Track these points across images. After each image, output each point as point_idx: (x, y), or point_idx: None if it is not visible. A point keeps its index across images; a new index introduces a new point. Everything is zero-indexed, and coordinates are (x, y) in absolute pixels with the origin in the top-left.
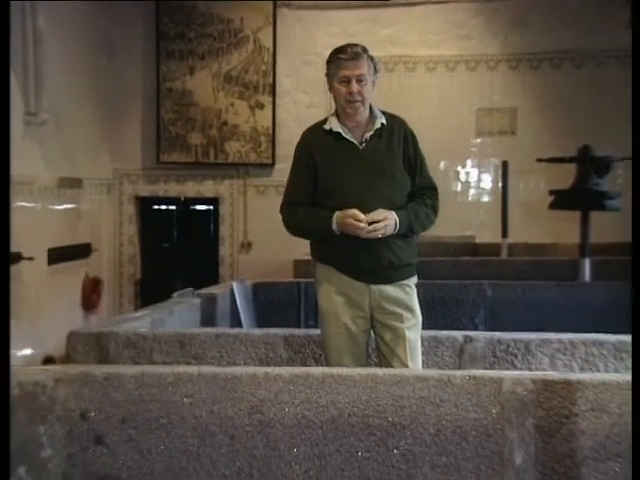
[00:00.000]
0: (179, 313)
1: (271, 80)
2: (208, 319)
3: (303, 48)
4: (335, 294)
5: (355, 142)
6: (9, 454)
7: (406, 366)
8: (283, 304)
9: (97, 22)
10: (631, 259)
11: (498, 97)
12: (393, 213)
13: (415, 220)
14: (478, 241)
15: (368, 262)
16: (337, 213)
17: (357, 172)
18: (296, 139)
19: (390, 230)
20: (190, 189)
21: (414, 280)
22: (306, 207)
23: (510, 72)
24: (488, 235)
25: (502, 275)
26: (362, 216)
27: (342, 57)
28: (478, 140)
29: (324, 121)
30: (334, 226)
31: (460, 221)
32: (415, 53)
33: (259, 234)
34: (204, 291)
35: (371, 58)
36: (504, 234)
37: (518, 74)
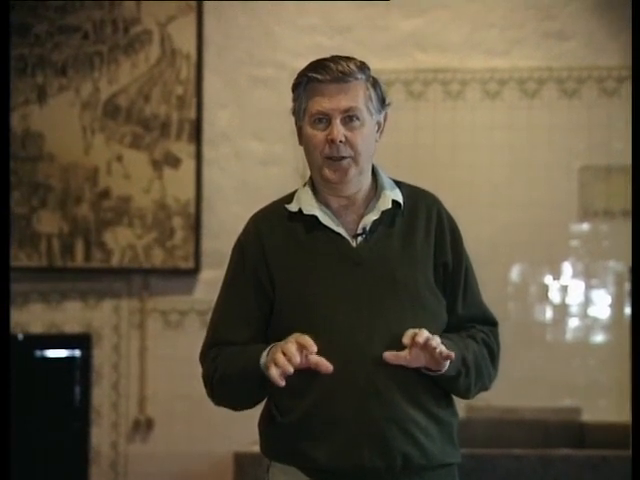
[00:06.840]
0: None
1: (194, 114)
2: None
3: (254, 55)
4: None
5: (344, 234)
6: (9, 456)
7: None
8: None
9: None
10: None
11: (623, 147)
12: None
13: (468, 354)
14: (587, 418)
15: (366, 457)
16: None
17: (347, 290)
18: (239, 226)
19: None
20: (35, 319)
21: None
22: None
23: None
24: (607, 408)
25: None
26: (313, 347)
27: (318, 77)
28: (584, 226)
29: (289, 197)
30: (262, 360)
31: (552, 380)
32: (463, 65)
33: (168, 404)
34: None
35: (374, 81)
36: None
37: None
